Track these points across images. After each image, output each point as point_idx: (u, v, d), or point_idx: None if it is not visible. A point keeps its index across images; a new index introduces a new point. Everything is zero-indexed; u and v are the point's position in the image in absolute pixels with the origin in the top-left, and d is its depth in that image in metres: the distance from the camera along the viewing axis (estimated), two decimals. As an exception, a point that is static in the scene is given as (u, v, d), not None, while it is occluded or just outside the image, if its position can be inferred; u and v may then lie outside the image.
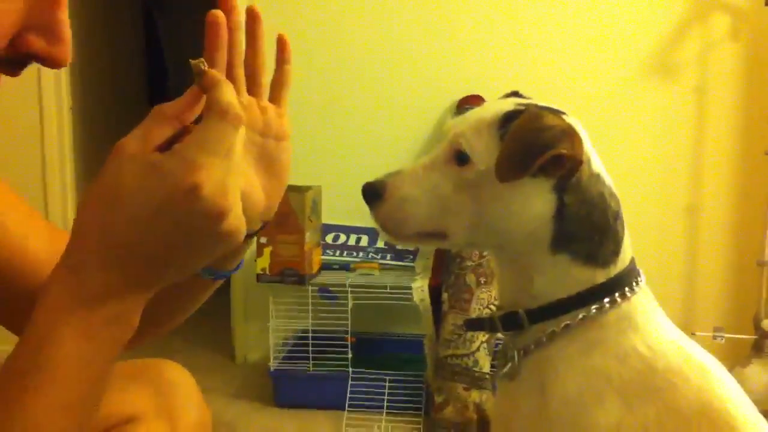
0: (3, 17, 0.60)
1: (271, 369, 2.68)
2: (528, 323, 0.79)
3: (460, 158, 0.77)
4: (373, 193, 0.79)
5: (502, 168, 0.73)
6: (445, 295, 2.58)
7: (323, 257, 2.78)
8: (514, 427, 0.80)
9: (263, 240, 2.55)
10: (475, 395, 2.53)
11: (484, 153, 0.76)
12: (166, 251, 0.63)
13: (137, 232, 0.61)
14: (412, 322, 2.69)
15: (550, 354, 0.78)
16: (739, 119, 2.90)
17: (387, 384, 2.61)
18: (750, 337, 2.60)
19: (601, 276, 0.78)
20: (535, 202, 0.76)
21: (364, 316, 2.68)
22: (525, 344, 0.80)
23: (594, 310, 0.77)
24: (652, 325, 0.79)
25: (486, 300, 2.54)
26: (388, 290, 2.56)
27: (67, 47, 0.65)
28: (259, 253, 2.57)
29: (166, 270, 0.64)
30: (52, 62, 0.64)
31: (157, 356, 3.70)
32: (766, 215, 2.63)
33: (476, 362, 2.53)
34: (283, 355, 2.77)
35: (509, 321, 0.81)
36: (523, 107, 0.77)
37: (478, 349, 2.53)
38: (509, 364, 0.80)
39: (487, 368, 2.56)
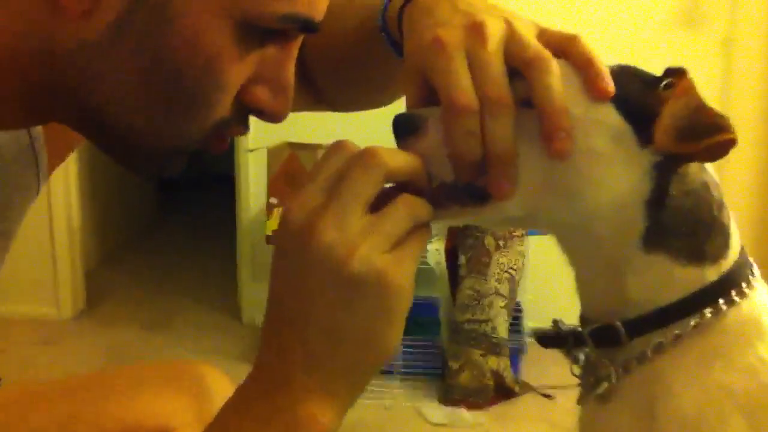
0: (238, 77, 0.60)
1: (281, 333, 2.59)
2: (627, 337, 0.66)
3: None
4: (409, 125, 0.62)
5: (668, 132, 0.60)
6: (462, 259, 2.48)
7: (334, 218, 2.67)
8: None
9: (273, 200, 2.44)
10: (492, 362, 2.46)
11: (578, 98, 0.61)
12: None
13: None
14: (427, 285, 2.60)
15: (658, 369, 0.65)
16: (768, 73, 2.78)
17: (401, 348, 2.53)
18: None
19: (712, 273, 0.65)
20: (628, 175, 0.63)
21: (376, 278, 2.58)
22: (624, 360, 0.66)
23: (709, 315, 0.64)
24: None
25: (506, 264, 2.45)
26: (402, 252, 2.45)
27: (290, 101, 0.64)
28: (269, 214, 2.46)
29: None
30: (272, 115, 0.64)
31: (163, 313, 3.60)
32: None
33: (494, 328, 2.45)
34: (293, 318, 2.67)
35: (603, 336, 0.67)
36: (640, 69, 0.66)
37: (496, 315, 2.45)
38: (605, 384, 0.67)
39: (505, 334, 2.48)
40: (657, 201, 0.63)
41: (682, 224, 0.65)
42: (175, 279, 3.57)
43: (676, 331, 0.64)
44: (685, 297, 0.65)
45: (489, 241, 2.44)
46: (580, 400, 0.71)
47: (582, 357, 0.72)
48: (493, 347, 2.44)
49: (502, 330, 2.46)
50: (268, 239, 2.49)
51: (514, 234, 2.44)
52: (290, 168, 2.46)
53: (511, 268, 2.45)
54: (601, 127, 0.62)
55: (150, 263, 3.82)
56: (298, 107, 0.94)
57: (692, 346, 0.64)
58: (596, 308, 0.70)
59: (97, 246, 3.59)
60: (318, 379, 0.57)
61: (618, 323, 0.66)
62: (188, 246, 4.10)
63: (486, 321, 2.44)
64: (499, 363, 2.45)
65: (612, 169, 0.62)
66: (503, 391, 2.46)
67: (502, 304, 2.45)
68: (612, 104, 0.62)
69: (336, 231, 0.54)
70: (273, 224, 2.46)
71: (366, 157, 0.56)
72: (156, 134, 0.61)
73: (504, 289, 2.45)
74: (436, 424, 2.32)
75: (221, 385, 1.01)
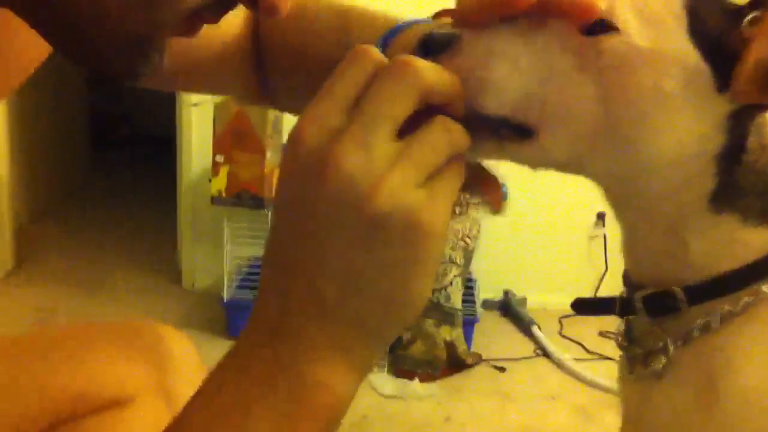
0: None
1: (225, 298, 2.48)
2: (687, 305, 0.58)
3: (594, 27, 0.51)
4: (440, 42, 0.53)
5: (751, 79, 0.51)
6: (416, 224, 2.39)
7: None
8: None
9: (219, 159, 2.31)
10: (445, 332, 2.38)
11: (648, 28, 0.52)
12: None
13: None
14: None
15: (720, 341, 0.57)
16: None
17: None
18: None
19: None
20: (698, 123, 0.54)
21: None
22: (684, 330, 0.59)
23: None
24: None
25: (461, 231, 2.36)
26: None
27: None
28: (215, 172, 2.33)
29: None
30: (267, 6, 0.53)
31: (98, 274, 3.39)
32: None
33: (448, 297, 2.38)
34: (237, 283, 2.56)
35: (658, 303, 0.60)
36: None
37: (450, 283, 2.37)
38: (662, 359, 0.59)
39: (459, 304, 2.41)
40: (731, 155, 0.55)
41: (757, 182, 0.56)
42: (112, 239, 3.41)
43: (746, 299, 0.56)
44: (755, 261, 0.57)
45: (445, 207, 2.35)
46: (623, 375, 0.63)
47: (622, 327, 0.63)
48: (446, 317, 2.37)
49: (456, 300, 2.39)
50: (214, 200, 2.37)
51: (470, 201, 2.35)
52: (238, 126, 2.33)
53: (466, 236, 2.37)
54: (675, 65, 0.52)
55: (85, 222, 3.65)
56: (236, 93, 0.86)
57: (758, 317, 0.57)
58: (649, 272, 0.61)
59: (29, 202, 3.39)
60: (330, 334, 0.47)
61: (677, 289, 0.58)
62: (125, 205, 3.94)
63: (439, 290, 2.36)
64: (452, 333, 2.38)
65: (679, 115, 0.53)
66: (455, 363, 2.40)
67: (457, 273, 2.37)
68: (690, 38, 0.52)
69: (360, 158, 0.45)
70: (219, 182, 2.33)
71: (400, 67, 0.46)
72: (123, 15, 0.51)
73: (458, 257, 2.37)
74: (387, 396, 2.24)
75: (183, 347, 0.90)
